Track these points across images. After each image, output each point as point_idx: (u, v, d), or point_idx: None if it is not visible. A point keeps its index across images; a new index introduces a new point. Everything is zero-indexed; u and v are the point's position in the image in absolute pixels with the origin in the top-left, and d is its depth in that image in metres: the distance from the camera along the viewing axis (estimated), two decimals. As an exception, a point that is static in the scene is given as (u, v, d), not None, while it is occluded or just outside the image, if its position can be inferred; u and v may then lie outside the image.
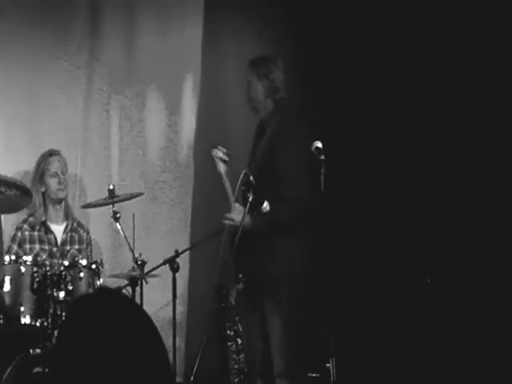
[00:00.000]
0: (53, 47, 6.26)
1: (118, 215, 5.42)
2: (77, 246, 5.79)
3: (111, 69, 6.41)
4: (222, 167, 4.98)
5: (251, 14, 6.51)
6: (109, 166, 6.39)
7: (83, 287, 5.15)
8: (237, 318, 4.78)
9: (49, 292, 5.08)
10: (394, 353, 5.99)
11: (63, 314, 5.03)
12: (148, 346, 2.29)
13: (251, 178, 4.70)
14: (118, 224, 5.43)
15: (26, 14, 6.15)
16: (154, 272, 5.45)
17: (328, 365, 4.49)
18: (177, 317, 5.53)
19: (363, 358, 6.00)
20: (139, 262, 5.35)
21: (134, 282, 5.38)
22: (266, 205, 4.72)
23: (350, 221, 6.13)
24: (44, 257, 5.61)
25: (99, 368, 2.23)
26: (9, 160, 6.00)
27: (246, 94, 5.10)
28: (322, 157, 4.51)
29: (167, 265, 5.42)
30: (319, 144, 4.56)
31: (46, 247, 5.70)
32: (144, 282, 5.38)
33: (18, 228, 5.75)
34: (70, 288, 5.10)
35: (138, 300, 5.28)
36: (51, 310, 5.06)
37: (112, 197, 5.49)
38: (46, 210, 5.78)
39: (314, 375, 5.37)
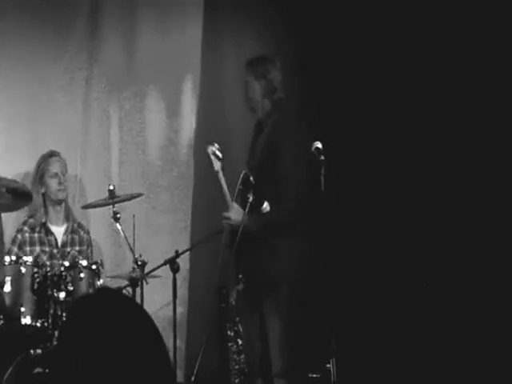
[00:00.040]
0: (53, 47, 6.26)
1: (118, 216, 5.42)
2: (77, 248, 5.78)
3: (111, 69, 6.40)
4: (217, 164, 4.96)
5: (251, 13, 6.50)
6: (109, 167, 6.38)
7: (84, 288, 5.15)
8: (237, 319, 4.78)
9: (49, 292, 5.08)
10: (395, 353, 5.98)
11: (64, 314, 5.03)
12: (149, 345, 2.29)
13: (251, 178, 4.70)
14: (118, 224, 5.43)
15: (25, 13, 6.15)
16: (155, 273, 5.44)
17: (328, 365, 4.49)
18: (177, 317, 5.51)
19: (364, 358, 5.99)
20: (139, 263, 5.34)
21: (134, 282, 5.38)
22: (266, 205, 4.71)
23: (350, 221, 6.13)
24: (44, 259, 5.60)
25: (100, 368, 2.22)
26: (9, 161, 6.00)
27: (244, 93, 5.09)
28: (322, 157, 4.51)
29: (167, 265, 5.42)
30: (319, 144, 4.56)
31: (47, 249, 5.70)
32: (144, 283, 5.38)
33: (19, 230, 5.74)
34: (71, 288, 5.11)
35: (138, 300, 5.28)
36: (52, 311, 5.06)
37: (112, 197, 5.49)
38: (46, 212, 5.77)
39: (314, 376, 5.36)
